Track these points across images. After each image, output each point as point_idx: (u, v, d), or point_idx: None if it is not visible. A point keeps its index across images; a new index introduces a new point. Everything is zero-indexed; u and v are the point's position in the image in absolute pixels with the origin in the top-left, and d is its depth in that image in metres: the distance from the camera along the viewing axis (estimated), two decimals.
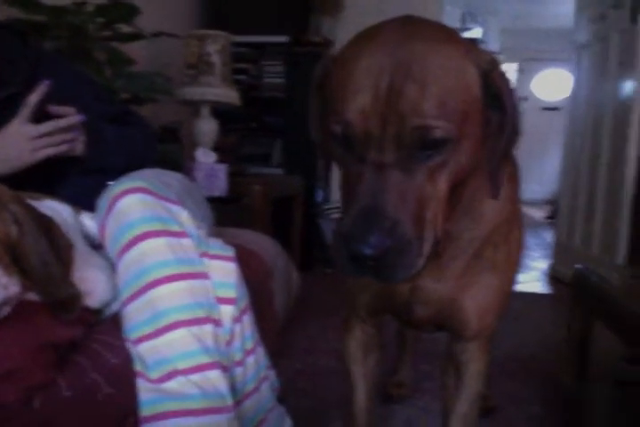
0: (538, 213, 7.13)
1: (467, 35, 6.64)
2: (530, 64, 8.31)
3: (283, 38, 3.15)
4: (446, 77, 0.63)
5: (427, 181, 0.65)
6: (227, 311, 0.94)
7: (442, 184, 0.66)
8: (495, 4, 6.98)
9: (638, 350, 1.15)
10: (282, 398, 1.12)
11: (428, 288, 0.85)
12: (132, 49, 2.15)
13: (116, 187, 0.94)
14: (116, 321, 0.91)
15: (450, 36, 0.68)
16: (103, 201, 0.94)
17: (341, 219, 0.66)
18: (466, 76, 0.65)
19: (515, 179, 0.90)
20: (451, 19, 6.43)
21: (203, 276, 0.92)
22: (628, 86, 2.71)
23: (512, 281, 0.92)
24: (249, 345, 0.99)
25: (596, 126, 3.04)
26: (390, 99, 0.62)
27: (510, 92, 0.69)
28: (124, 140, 1.30)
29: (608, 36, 2.94)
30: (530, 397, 1.65)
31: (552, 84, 8.17)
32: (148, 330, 0.85)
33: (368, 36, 0.68)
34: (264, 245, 1.50)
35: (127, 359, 0.86)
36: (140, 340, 0.85)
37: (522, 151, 7.31)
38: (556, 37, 7.42)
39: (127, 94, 2.08)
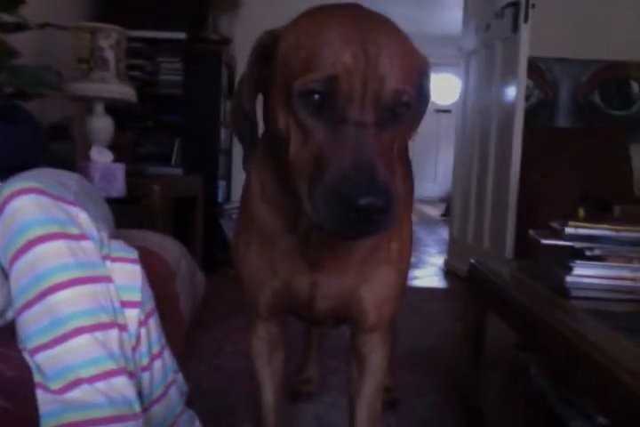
0: (433, 211, 7.43)
1: None
2: None
3: (180, 35, 3.09)
4: (407, 56, 0.71)
5: (390, 148, 0.70)
6: (132, 315, 0.91)
7: (402, 145, 0.74)
8: (385, 5, 7.19)
9: (527, 337, 1.23)
10: (190, 402, 1.10)
11: (328, 282, 0.88)
12: (17, 40, 2.02)
13: (6, 187, 0.88)
14: (9, 330, 0.85)
15: (405, 35, 0.76)
16: None
17: (313, 187, 0.66)
18: (416, 61, 0.74)
19: (407, 180, 0.95)
20: None
21: (106, 279, 0.88)
22: (511, 91, 2.90)
23: (406, 273, 0.97)
24: (155, 349, 0.96)
25: (483, 129, 3.23)
26: (370, 62, 0.66)
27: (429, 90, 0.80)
28: (8, 137, 1.22)
29: (493, 44, 3.12)
30: (431, 387, 1.72)
31: (444, 88, 8.55)
32: (47, 338, 0.80)
33: (327, 10, 0.72)
34: (166, 246, 1.46)
35: (24, 371, 0.81)
36: (39, 348, 0.80)
37: (417, 151, 7.60)
38: (445, 43, 7.77)
39: (11, 89, 1.96)
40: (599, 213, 2.70)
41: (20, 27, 1.97)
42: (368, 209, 0.61)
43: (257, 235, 0.89)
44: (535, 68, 3.50)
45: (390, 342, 0.99)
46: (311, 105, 0.68)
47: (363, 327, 0.94)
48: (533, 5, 2.79)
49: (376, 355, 0.97)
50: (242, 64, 3.77)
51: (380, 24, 0.71)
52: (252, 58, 0.76)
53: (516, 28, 2.85)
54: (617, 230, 1.31)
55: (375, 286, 0.89)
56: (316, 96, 0.67)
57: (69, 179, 1.10)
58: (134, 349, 0.91)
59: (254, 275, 0.90)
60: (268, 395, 1.04)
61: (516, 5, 2.83)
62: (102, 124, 2.23)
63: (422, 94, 0.78)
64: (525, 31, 2.80)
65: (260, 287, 0.91)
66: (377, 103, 0.67)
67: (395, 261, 0.91)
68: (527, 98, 3.43)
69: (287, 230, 0.85)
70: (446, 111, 8.40)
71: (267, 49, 0.74)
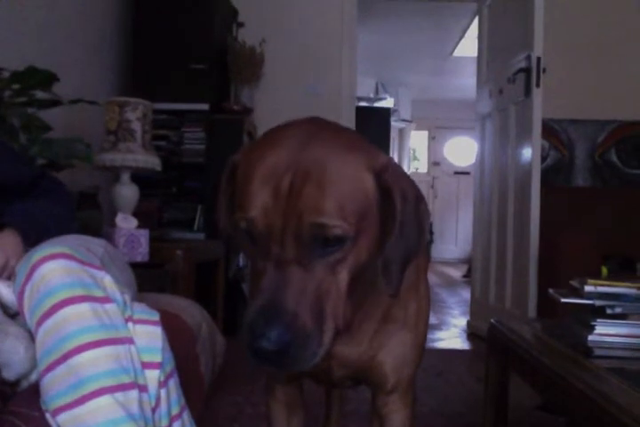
0: (455, 273, 7.36)
1: (380, 104, 7.03)
2: (440, 132, 8.85)
3: (203, 106, 3.24)
4: (342, 182, 0.69)
5: (326, 275, 0.69)
6: (152, 376, 0.92)
7: (342, 278, 0.70)
8: (406, 75, 7.47)
9: (550, 398, 1.21)
10: None
11: (344, 352, 0.88)
12: (50, 115, 2.14)
13: (36, 253, 0.93)
14: (34, 391, 0.87)
15: (350, 141, 0.74)
16: (22, 267, 0.92)
17: (248, 310, 0.69)
18: (361, 180, 0.71)
19: (424, 258, 0.96)
20: (364, 89, 6.80)
21: (127, 341, 0.90)
22: (526, 153, 2.95)
23: (424, 334, 0.97)
24: (175, 410, 0.97)
25: (501, 190, 3.26)
26: (290, 198, 0.66)
27: (402, 192, 0.74)
28: (42, 210, 1.27)
29: (507, 107, 3.21)
30: None
31: (462, 150, 8.69)
32: (69, 399, 0.82)
33: (272, 138, 0.73)
34: (188, 309, 1.49)
35: None
36: (61, 409, 0.82)
37: (437, 213, 7.66)
38: (462, 107, 7.97)
39: (43, 160, 2.06)
40: (622, 271, 2.68)
41: (54, 103, 2.10)
42: (262, 351, 0.64)
43: None
44: (550, 129, 3.57)
45: (412, 402, 0.98)
46: (246, 239, 0.71)
47: (383, 389, 0.94)
48: (544, 70, 2.89)
49: (397, 416, 0.96)
50: (262, 132, 3.93)
51: (322, 151, 0.70)
52: (224, 180, 0.80)
53: (528, 92, 2.94)
54: (638, 288, 1.30)
55: (393, 349, 0.90)
56: (246, 233, 0.70)
57: (96, 244, 1.15)
58: (154, 410, 0.92)
59: None
60: None
61: (527, 71, 2.93)
62: (128, 192, 2.32)
63: (393, 207, 0.73)
64: (538, 95, 2.88)
65: None
66: (298, 240, 0.67)
67: (412, 323, 0.92)
68: (544, 158, 3.48)
69: None
70: (465, 173, 8.49)
71: (235, 170, 0.77)
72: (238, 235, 0.73)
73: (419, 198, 0.77)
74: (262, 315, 0.65)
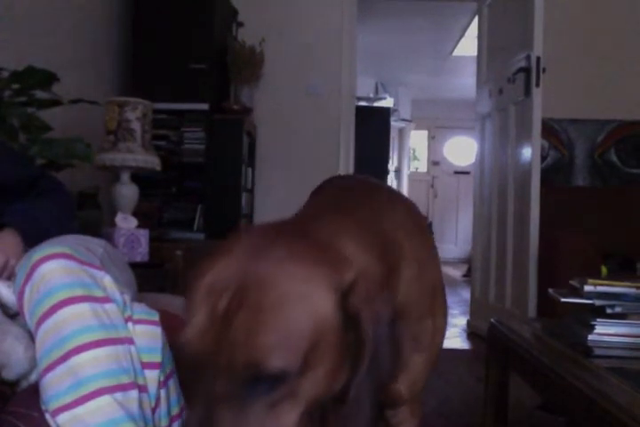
0: (455, 272, 7.36)
1: (379, 104, 7.03)
2: (440, 131, 8.84)
3: (203, 106, 3.24)
4: (289, 305, 0.57)
5: (265, 417, 0.57)
6: (152, 376, 0.92)
7: (288, 417, 0.58)
8: (405, 75, 7.47)
9: (550, 398, 1.21)
10: None
11: None
12: (50, 114, 2.14)
13: (36, 253, 0.93)
14: (33, 392, 0.87)
15: (309, 254, 0.62)
16: (22, 267, 0.92)
17: None
18: (316, 302, 0.58)
19: (428, 242, 0.93)
20: (364, 89, 6.80)
21: (127, 341, 0.90)
22: (526, 153, 2.95)
23: (438, 351, 0.95)
24: (175, 411, 0.97)
25: (501, 189, 3.26)
26: (224, 325, 0.56)
27: (375, 317, 0.60)
28: (41, 211, 1.27)
29: (506, 107, 3.21)
30: None
31: (462, 150, 8.68)
32: (69, 399, 0.82)
33: (222, 251, 0.64)
34: None
35: None
36: (61, 409, 0.82)
37: (437, 213, 7.64)
38: (461, 107, 7.97)
39: (43, 160, 2.06)
40: (622, 270, 2.67)
41: (53, 103, 2.10)
42: None
43: None
44: (549, 129, 3.57)
45: (420, 412, 0.97)
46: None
47: (394, 406, 0.93)
48: (544, 70, 2.89)
49: (407, 425, 0.96)
50: (262, 132, 3.91)
51: (269, 263, 0.59)
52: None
53: (527, 92, 2.94)
54: (637, 288, 1.30)
55: (410, 371, 0.87)
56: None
57: (95, 244, 1.15)
58: (154, 410, 0.92)
59: None
60: None
61: (527, 70, 2.93)
62: (128, 192, 2.32)
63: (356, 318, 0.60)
64: (537, 95, 2.88)
65: None
66: (230, 375, 0.56)
67: (426, 343, 0.89)
68: (543, 158, 3.48)
69: None
70: (465, 173, 8.49)
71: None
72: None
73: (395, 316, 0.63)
74: None
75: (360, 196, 0.92)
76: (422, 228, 0.96)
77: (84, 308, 0.87)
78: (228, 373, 0.56)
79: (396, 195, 1.02)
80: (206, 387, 0.57)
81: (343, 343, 0.60)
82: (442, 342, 0.96)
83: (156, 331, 0.97)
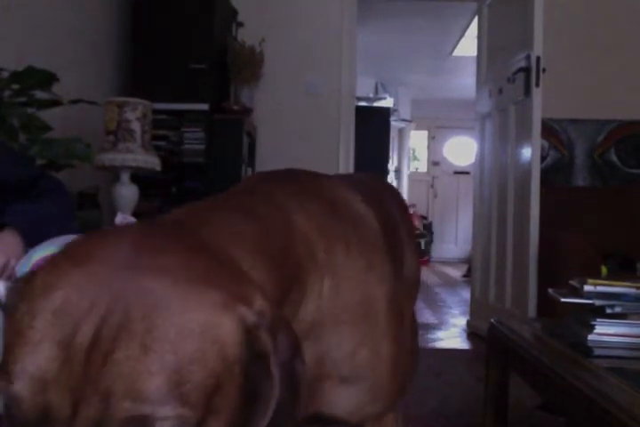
0: (455, 272, 7.37)
1: (379, 104, 7.03)
2: (440, 131, 8.85)
3: (203, 106, 3.24)
4: (189, 338, 0.42)
5: None
6: None
7: None
8: (405, 75, 7.48)
9: (550, 398, 1.21)
10: None
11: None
12: (50, 115, 2.14)
13: (36, 253, 0.93)
14: None
15: (207, 272, 0.46)
16: (22, 267, 0.92)
17: None
18: (221, 334, 0.44)
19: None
20: (364, 89, 6.81)
21: None
22: (526, 152, 2.95)
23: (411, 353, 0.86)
24: None
25: (501, 189, 3.26)
26: (91, 366, 0.40)
27: (281, 356, 0.47)
28: (39, 211, 1.27)
29: (506, 107, 3.21)
30: None
31: (462, 150, 8.69)
32: None
33: (78, 255, 0.46)
34: None
35: None
36: None
37: (437, 213, 7.66)
38: (461, 107, 7.97)
39: (43, 160, 2.06)
40: (622, 270, 2.68)
41: (53, 103, 2.10)
42: None
43: None
44: (549, 129, 3.57)
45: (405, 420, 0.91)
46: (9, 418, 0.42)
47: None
48: (544, 70, 2.89)
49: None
50: (262, 132, 3.91)
51: (155, 279, 0.43)
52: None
53: (527, 92, 2.94)
54: (637, 288, 1.30)
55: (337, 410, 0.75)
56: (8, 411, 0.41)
57: None
58: None
59: None
60: None
61: (526, 70, 2.93)
62: (128, 192, 2.32)
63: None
64: (537, 95, 2.88)
65: None
66: None
67: (363, 379, 0.75)
68: (543, 158, 3.48)
69: None
70: (465, 173, 8.50)
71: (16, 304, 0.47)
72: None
73: (297, 352, 0.49)
74: None
75: (275, 188, 0.74)
76: (368, 231, 0.79)
77: None
78: None
79: (341, 190, 0.83)
80: None
81: (245, 387, 0.46)
82: (396, 371, 0.78)
83: None
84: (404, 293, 0.94)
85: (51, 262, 0.46)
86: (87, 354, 0.40)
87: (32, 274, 0.46)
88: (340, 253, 0.71)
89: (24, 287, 0.45)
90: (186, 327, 0.42)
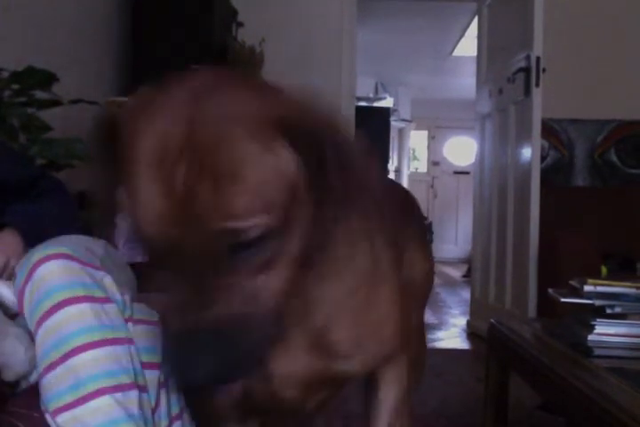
0: (455, 272, 7.36)
1: (379, 104, 7.03)
2: (440, 131, 8.85)
3: None
4: (254, 161, 0.52)
5: (251, 282, 0.55)
6: (152, 376, 0.92)
7: (275, 277, 0.56)
8: (405, 75, 7.47)
9: (550, 398, 1.21)
10: None
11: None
12: (50, 114, 2.14)
13: (36, 253, 0.93)
14: (33, 392, 0.87)
15: (251, 103, 0.54)
16: (22, 267, 0.92)
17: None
18: (278, 151, 0.53)
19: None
20: (364, 89, 6.80)
21: (127, 341, 0.90)
22: (526, 153, 2.95)
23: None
24: (175, 411, 0.96)
25: (501, 189, 3.26)
26: (185, 198, 0.50)
27: (335, 148, 0.56)
28: (40, 210, 1.27)
29: (506, 107, 3.21)
30: None
31: (462, 150, 8.69)
32: (69, 399, 0.82)
33: (158, 103, 0.56)
34: None
35: None
36: (61, 410, 0.82)
37: (437, 213, 7.64)
38: (461, 107, 7.97)
39: (43, 160, 2.06)
40: (622, 270, 2.68)
41: (53, 103, 2.10)
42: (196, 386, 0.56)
43: None
44: (549, 129, 3.57)
45: (407, 380, 0.90)
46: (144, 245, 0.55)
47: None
48: (544, 70, 2.89)
49: (388, 389, 0.88)
50: None
51: (223, 128, 0.51)
52: (95, 140, 0.68)
53: (527, 92, 2.94)
54: (637, 288, 1.30)
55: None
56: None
57: (95, 244, 1.15)
58: (154, 410, 0.92)
59: None
60: None
61: (526, 70, 2.93)
62: None
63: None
64: (537, 95, 2.88)
65: None
66: (204, 252, 0.51)
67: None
68: (543, 158, 3.47)
69: None
70: (465, 173, 8.49)
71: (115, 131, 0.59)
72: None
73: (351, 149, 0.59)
74: (179, 348, 0.53)
75: None
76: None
77: (84, 308, 0.87)
78: (203, 249, 0.51)
79: None
80: (180, 269, 0.51)
81: (311, 196, 0.55)
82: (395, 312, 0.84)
83: (157, 331, 0.97)
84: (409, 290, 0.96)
85: (138, 111, 0.56)
86: (183, 189, 0.49)
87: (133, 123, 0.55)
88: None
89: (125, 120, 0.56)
90: (251, 153, 0.51)
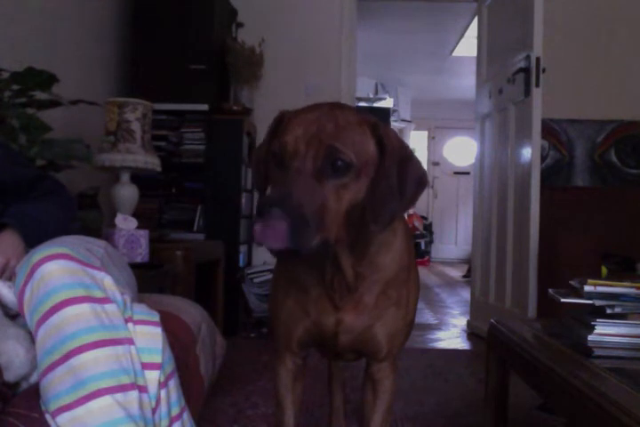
0: (455, 273, 7.36)
1: (379, 104, 7.02)
2: (440, 132, 8.85)
3: (203, 106, 3.23)
4: (353, 130, 0.91)
5: (331, 193, 0.86)
6: (152, 377, 0.92)
7: (343, 201, 0.87)
8: (405, 75, 7.47)
9: (550, 398, 1.21)
10: None
11: (349, 320, 1.06)
12: (49, 115, 2.14)
13: (36, 253, 0.93)
14: (34, 393, 0.87)
15: (358, 114, 0.95)
16: (23, 268, 0.92)
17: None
18: (364, 136, 0.92)
19: (409, 236, 1.13)
20: (364, 89, 6.80)
21: (127, 341, 0.91)
22: (526, 153, 2.95)
23: (412, 312, 1.15)
24: (175, 411, 0.97)
25: (501, 190, 3.26)
26: (316, 132, 0.88)
27: (392, 139, 0.94)
28: (40, 211, 1.27)
29: (506, 107, 3.21)
30: None
31: (462, 150, 8.69)
32: (69, 399, 0.82)
33: (308, 107, 0.96)
34: (188, 310, 1.49)
35: None
36: (61, 410, 0.82)
37: (437, 213, 7.62)
38: (461, 107, 7.97)
39: (43, 161, 2.06)
40: (622, 270, 2.67)
41: (53, 103, 2.10)
42: (264, 211, 0.78)
43: (293, 285, 1.08)
44: (549, 129, 3.57)
45: (396, 370, 1.17)
46: (275, 160, 0.90)
47: (377, 357, 1.12)
48: (544, 70, 2.89)
49: (387, 381, 1.15)
50: (261, 133, 3.89)
51: (340, 114, 0.92)
52: (270, 128, 1.00)
53: (527, 92, 2.93)
54: (637, 288, 1.30)
55: (386, 323, 1.07)
56: (277, 154, 0.89)
57: (96, 245, 1.15)
58: (154, 410, 0.92)
59: (290, 316, 1.09)
60: (289, 418, 1.16)
61: (526, 71, 2.93)
62: (128, 193, 2.32)
63: (383, 149, 0.92)
64: (537, 95, 2.88)
65: (295, 325, 1.09)
66: (315, 158, 0.86)
67: (402, 303, 1.09)
68: (543, 158, 3.48)
69: (317, 280, 1.04)
70: (465, 173, 8.49)
71: (280, 123, 0.97)
72: (269, 165, 0.93)
73: (407, 155, 0.94)
74: (270, 200, 0.79)
75: None
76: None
77: (84, 308, 0.87)
78: (315, 157, 0.86)
79: None
80: (296, 166, 0.85)
81: (377, 169, 0.91)
82: (415, 305, 1.15)
83: (157, 331, 0.97)
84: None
85: (299, 109, 0.97)
86: (315, 130, 0.89)
87: (290, 114, 0.97)
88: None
89: (287, 116, 0.96)
90: (352, 129, 0.91)
